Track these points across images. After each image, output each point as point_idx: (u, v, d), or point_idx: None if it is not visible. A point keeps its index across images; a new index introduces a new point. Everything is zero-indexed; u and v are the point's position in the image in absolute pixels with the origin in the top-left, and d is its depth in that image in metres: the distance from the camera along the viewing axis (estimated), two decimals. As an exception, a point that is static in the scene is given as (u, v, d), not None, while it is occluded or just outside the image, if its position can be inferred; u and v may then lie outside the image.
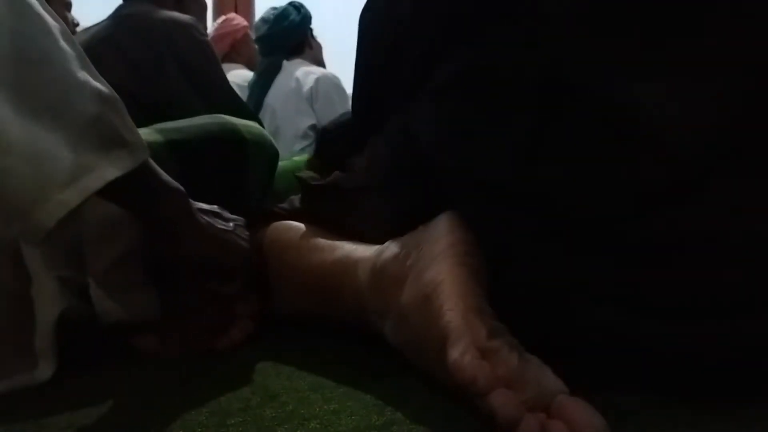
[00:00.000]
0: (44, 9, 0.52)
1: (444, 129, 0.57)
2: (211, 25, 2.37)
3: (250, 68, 2.36)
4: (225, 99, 1.19)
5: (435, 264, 0.50)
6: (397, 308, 0.53)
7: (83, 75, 0.52)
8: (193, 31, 1.19)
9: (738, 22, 0.46)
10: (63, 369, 0.59)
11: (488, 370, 0.42)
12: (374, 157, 0.65)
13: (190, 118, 0.87)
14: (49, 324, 0.59)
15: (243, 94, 2.04)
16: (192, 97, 1.14)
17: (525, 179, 0.51)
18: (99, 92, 0.53)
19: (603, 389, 0.45)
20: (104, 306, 0.63)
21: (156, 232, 0.62)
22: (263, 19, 2.25)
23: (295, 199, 0.79)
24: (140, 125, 0.77)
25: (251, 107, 1.89)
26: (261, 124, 1.05)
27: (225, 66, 1.65)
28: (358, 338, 0.63)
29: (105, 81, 0.55)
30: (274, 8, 2.26)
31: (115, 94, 0.55)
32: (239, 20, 2.47)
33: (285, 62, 2.22)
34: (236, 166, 0.85)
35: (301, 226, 0.73)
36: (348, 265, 0.62)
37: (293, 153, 1.89)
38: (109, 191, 0.52)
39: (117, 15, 1.23)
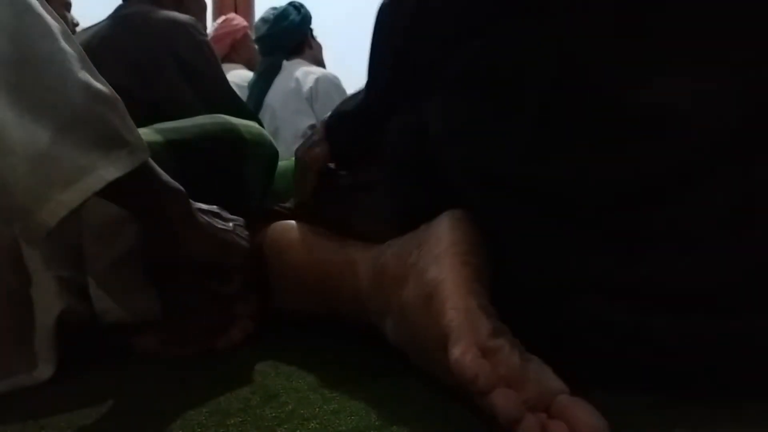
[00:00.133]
0: (45, 9, 0.52)
1: (450, 122, 0.57)
2: (210, 25, 2.37)
3: (250, 68, 2.36)
4: (225, 99, 1.19)
5: (437, 263, 0.50)
6: (398, 307, 0.53)
7: (84, 75, 0.53)
8: (192, 31, 1.19)
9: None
10: (63, 369, 0.59)
11: (489, 369, 0.42)
12: (380, 153, 0.65)
13: (189, 118, 0.87)
14: (49, 324, 0.59)
15: (243, 94, 2.04)
16: (191, 97, 1.14)
17: (531, 172, 0.51)
18: (99, 92, 0.53)
19: (603, 389, 0.45)
20: (104, 306, 0.63)
21: (156, 232, 0.62)
22: (263, 19, 2.25)
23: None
24: (140, 125, 0.77)
25: (251, 107, 1.89)
26: (261, 124, 1.05)
27: (225, 66, 1.65)
28: (358, 338, 0.63)
29: (105, 81, 0.55)
30: (274, 8, 2.26)
31: (116, 95, 0.55)
32: (239, 20, 2.47)
33: (285, 62, 2.22)
34: (236, 166, 0.85)
35: (302, 225, 0.73)
36: (349, 264, 0.62)
37: (293, 153, 1.88)
38: (110, 191, 0.52)
39: (117, 15, 1.23)
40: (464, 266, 0.49)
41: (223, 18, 2.48)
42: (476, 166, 0.55)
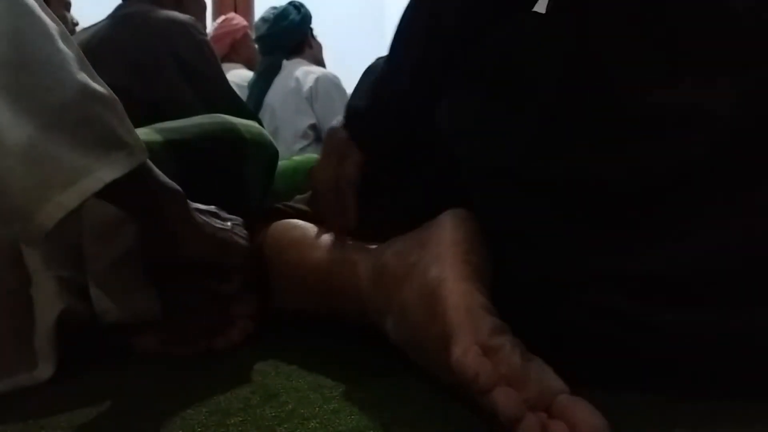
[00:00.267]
0: (43, 10, 0.52)
1: (458, 119, 0.57)
2: (210, 25, 2.37)
3: (250, 68, 2.36)
4: (224, 98, 1.19)
5: (438, 262, 0.50)
6: (399, 306, 0.53)
7: (82, 76, 0.52)
8: (192, 30, 1.19)
9: None
10: (63, 369, 0.59)
11: (490, 368, 0.42)
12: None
13: (189, 118, 0.87)
14: (49, 324, 0.59)
15: (243, 94, 2.04)
16: (191, 97, 1.14)
17: (536, 168, 0.51)
18: (97, 94, 0.53)
19: (603, 389, 0.45)
20: (104, 306, 0.63)
21: (154, 233, 0.62)
22: (263, 19, 2.25)
23: (301, 200, 0.79)
24: (139, 125, 0.77)
25: (251, 107, 1.89)
26: (261, 123, 1.05)
27: (225, 66, 1.65)
28: (358, 338, 0.63)
29: (103, 82, 0.55)
30: (274, 8, 2.26)
31: (114, 96, 0.55)
32: (239, 20, 2.47)
33: (285, 62, 2.22)
34: (236, 165, 0.85)
35: (303, 224, 0.73)
36: (349, 263, 0.62)
37: (293, 153, 1.89)
38: (108, 193, 0.52)
39: (116, 15, 1.23)
40: (465, 265, 0.49)
41: (222, 18, 2.48)
42: (483, 162, 0.55)
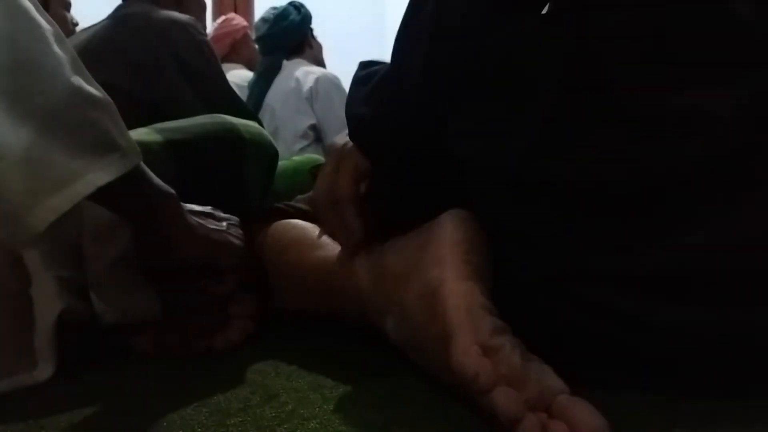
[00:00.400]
0: (38, 12, 0.52)
1: (460, 120, 0.57)
2: (210, 25, 2.37)
3: (250, 68, 2.36)
4: (224, 99, 1.19)
5: (438, 262, 0.50)
6: (399, 306, 0.53)
7: (76, 79, 0.52)
8: (192, 30, 1.19)
9: None
10: (63, 369, 0.59)
11: (490, 368, 0.42)
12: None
13: (189, 118, 0.87)
14: (49, 324, 0.59)
15: (243, 94, 2.04)
16: (191, 97, 1.14)
17: (537, 169, 0.51)
18: (91, 97, 0.53)
19: (603, 389, 0.45)
20: (104, 306, 0.63)
21: (147, 235, 0.61)
22: (263, 19, 2.25)
23: (301, 199, 0.79)
24: (139, 125, 0.77)
25: (251, 107, 1.89)
26: (261, 123, 1.05)
27: (225, 66, 1.65)
28: (358, 338, 0.63)
29: (98, 85, 0.55)
30: (274, 8, 2.26)
31: (108, 98, 0.55)
32: (239, 20, 2.47)
33: (285, 62, 2.22)
34: (236, 165, 0.85)
35: (303, 224, 0.73)
36: (349, 263, 0.62)
37: (293, 153, 1.89)
38: (100, 195, 0.52)
39: (116, 15, 1.23)
40: (465, 265, 0.49)
41: (222, 18, 2.48)
42: (483, 162, 0.55)
